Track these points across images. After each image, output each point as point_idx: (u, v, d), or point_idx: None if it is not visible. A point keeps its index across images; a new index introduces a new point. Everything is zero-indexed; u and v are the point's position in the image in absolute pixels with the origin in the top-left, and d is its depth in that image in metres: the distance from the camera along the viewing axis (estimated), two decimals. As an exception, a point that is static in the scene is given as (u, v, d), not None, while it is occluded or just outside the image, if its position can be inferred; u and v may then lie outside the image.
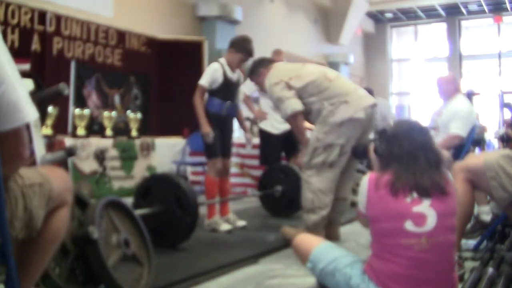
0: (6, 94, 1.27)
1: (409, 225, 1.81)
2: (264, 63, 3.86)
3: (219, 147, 4.08)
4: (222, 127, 4.12)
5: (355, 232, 4.03)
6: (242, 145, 6.03)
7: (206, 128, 3.96)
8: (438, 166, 1.91)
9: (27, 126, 1.35)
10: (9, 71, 1.29)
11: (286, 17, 11.32)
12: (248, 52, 4.10)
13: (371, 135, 3.57)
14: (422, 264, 1.82)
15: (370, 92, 6.64)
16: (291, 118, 3.48)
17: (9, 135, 1.30)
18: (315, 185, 3.41)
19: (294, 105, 3.42)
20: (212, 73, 4.02)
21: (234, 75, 4.14)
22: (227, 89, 4.09)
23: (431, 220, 1.81)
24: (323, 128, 3.40)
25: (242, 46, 4.08)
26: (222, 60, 4.13)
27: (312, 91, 3.45)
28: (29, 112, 1.32)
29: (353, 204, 4.28)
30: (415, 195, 1.83)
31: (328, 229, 3.59)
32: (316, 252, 2.07)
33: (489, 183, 2.74)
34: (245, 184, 6.30)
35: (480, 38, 15.53)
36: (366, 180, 1.95)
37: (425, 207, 1.82)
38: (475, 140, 5.25)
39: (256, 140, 5.62)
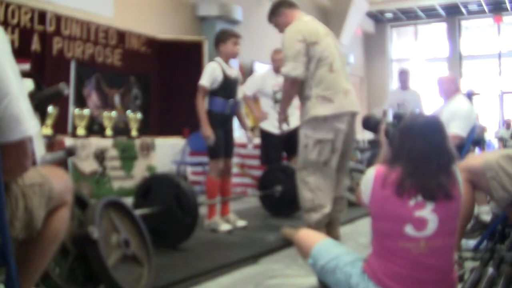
0: (9, 106, 1.29)
1: (409, 229, 1.81)
2: (285, 4, 3.67)
3: (222, 148, 4.07)
4: (225, 126, 4.12)
5: (355, 232, 4.04)
6: (242, 145, 6.03)
7: (208, 131, 3.95)
8: (449, 168, 1.87)
9: (30, 139, 1.36)
10: (14, 83, 1.31)
11: (286, 17, 11.30)
12: (234, 34, 4.17)
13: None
14: (420, 266, 1.82)
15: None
16: (289, 80, 3.39)
17: (12, 147, 1.32)
18: (313, 184, 3.38)
19: (300, 71, 3.34)
20: (211, 72, 4.02)
21: (232, 72, 4.14)
22: (228, 87, 4.09)
23: (432, 225, 1.81)
24: (309, 124, 3.38)
25: (225, 34, 4.17)
26: (218, 59, 4.14)
27: (312, 66, 3.38)
28: (31, 125, 1.34)
29: (350, 204, 4.28)
30: (419, 198, 1.81)
31: (328, 229, 3.57)
32: (318, 249, 2.07)
33: (489, 183, 2.74)
34: (245, 184, 6.30)
35: (480, 38, 15.52)
36: (373, 174, 1.91)
37: (428, 212, 1.81)
38: (475, 140, 5.24)
39: (257, 140, 5.61)
